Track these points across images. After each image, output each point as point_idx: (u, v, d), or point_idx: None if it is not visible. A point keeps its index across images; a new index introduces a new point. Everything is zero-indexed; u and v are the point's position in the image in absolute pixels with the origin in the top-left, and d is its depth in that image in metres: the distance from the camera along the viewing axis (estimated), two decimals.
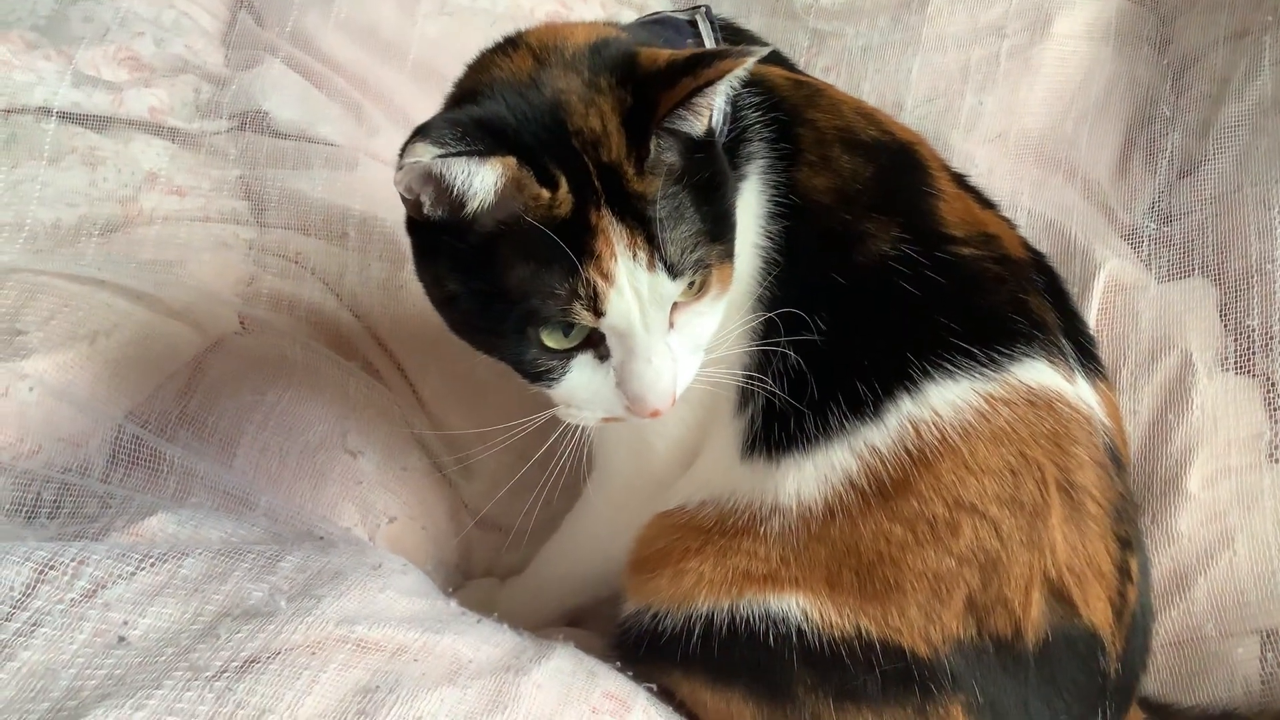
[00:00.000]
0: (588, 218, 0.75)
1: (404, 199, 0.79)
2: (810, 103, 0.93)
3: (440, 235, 0.78)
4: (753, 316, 0.89)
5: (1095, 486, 0.84)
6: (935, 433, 0.82)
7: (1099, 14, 1.46)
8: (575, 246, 0.74)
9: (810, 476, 0.85)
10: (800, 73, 0.99)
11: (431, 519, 1.13)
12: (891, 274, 0.86)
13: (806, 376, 0.86)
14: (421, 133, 0.72)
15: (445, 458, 1.17)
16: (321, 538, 0.98)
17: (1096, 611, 0.84)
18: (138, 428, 1.04)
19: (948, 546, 0.82)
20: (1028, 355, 0.85)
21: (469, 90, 0.82)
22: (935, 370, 0.83)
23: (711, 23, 0.94)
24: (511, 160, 0.73)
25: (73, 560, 0.80)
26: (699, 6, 0.96)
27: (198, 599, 0.80)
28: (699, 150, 0.79)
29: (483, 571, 1.17)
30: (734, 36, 0.99)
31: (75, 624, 0.77)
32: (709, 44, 0.93)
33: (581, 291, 0.75)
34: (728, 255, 0.82)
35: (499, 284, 0.76)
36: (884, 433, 0.83)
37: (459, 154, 0.71)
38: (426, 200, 0.77)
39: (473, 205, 0.75)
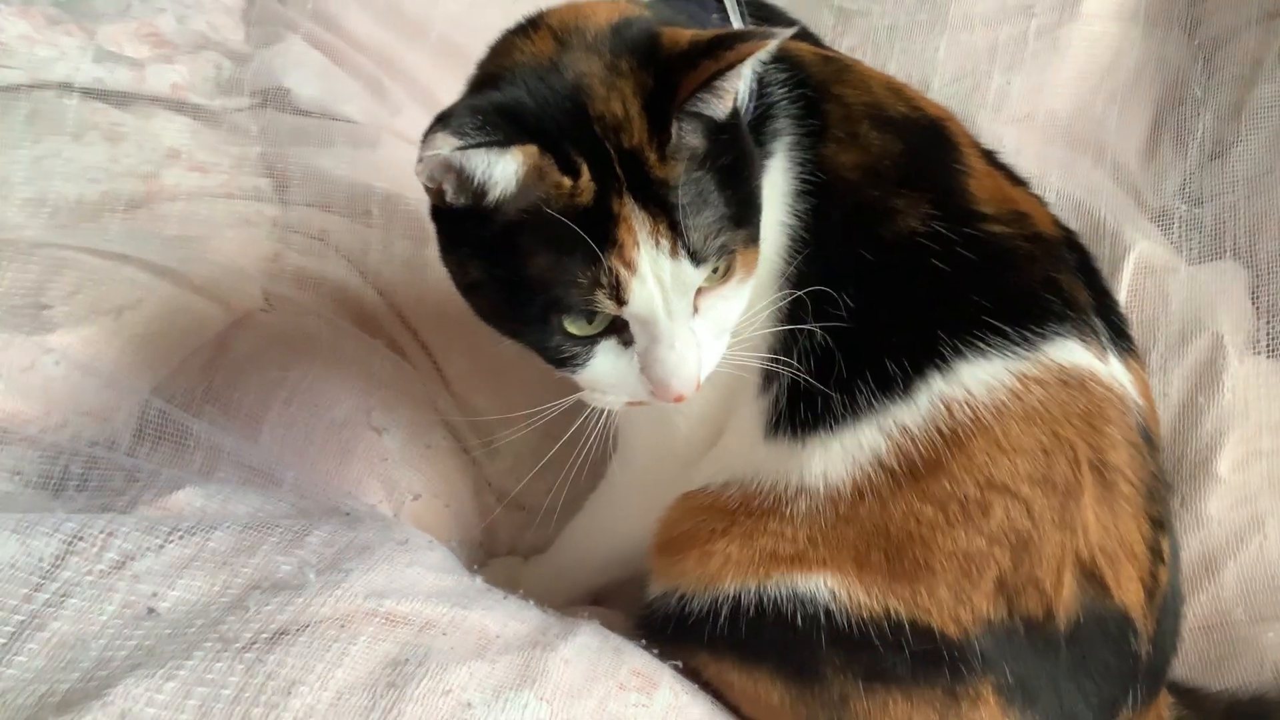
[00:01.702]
0: (610, 205, 0.74)
1: (426, 188, 0.78)
2: (838, 78, 0.92)
3: (463, 223, 0.78)
4: (779, 295, 0.88)
5: (1128, 466, 0.84)
6: (968, 412, 0.81)
7: None
8: (597, 234, 0.73)
9: (838, 456, 0.84)
10: (828, 49, 0.98)
11: (456, 497, 1.13)
12: (921, 251, 0.85)
13: (834, 355, 0.85)
14: (441, 122, 0.71)
15: (470, 437, 1.17)
16: (348, 513, 0.98)
17: (1129, 593, 0.83)
18: (163, 402, 1.04)
19: (978, 526, 0.81)
20: (1060, 334, 0.84)
21: (490, 74, 0.81)
22: (967, 349, 0.82)
23: None
24: (533, 149, 0.72)
25: (101, 532, 0.80)
26: None
27: (226, 571, 0.80)
28: (723, 132, 0.78)
29: (506, 550, 1.17)
30: (761, 13, 0.98)
31: (104, 595, 0.77)
32: (735, 21, 0.92)
33: (604, 280, 0.74)
34: (753, 239, 0.81)
35: (522, 272, 0.76)
36: (915, 412, 0.82)
37: (479, 144, 0.71)
38: (449, 189, 0.76)
39: (494, 194, 0.75)
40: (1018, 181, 0.94)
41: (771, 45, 0.74)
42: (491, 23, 0.88)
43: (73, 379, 1.03)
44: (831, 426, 0.85)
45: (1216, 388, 1.09)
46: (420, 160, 0.73)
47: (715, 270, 0.79)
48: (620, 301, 0.75)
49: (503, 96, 0.76)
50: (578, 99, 0.75)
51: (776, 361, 0.88)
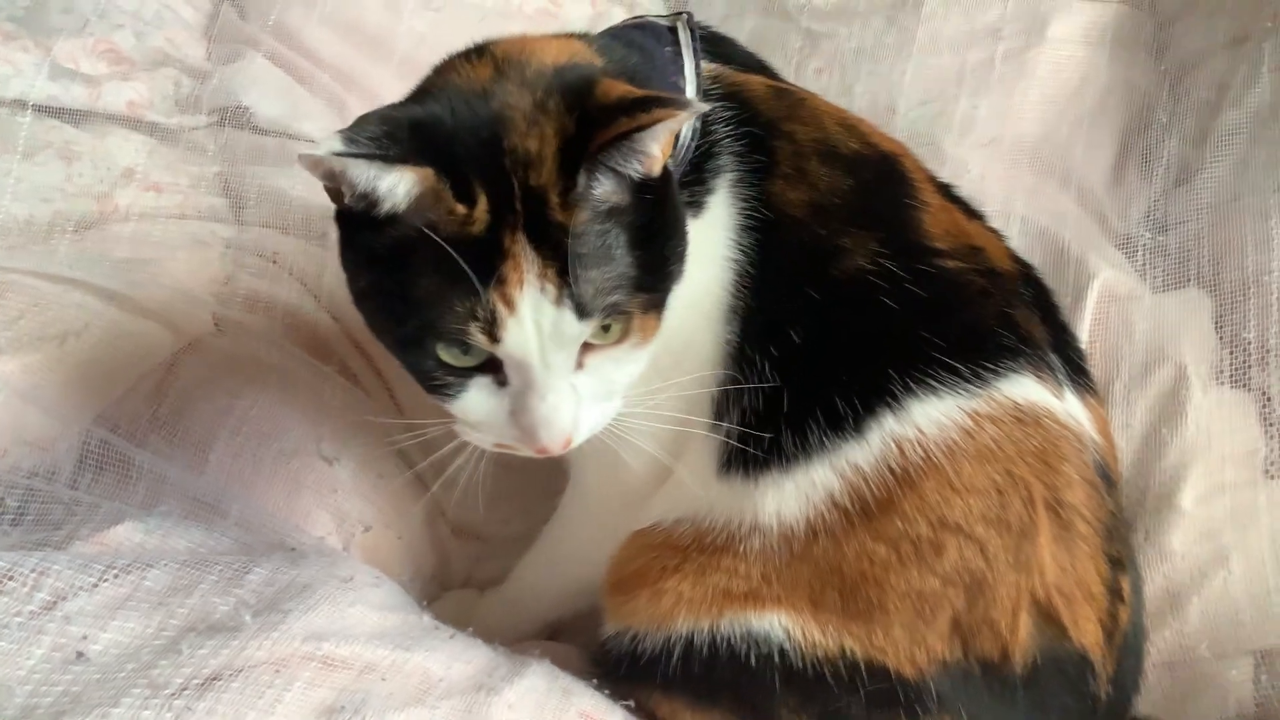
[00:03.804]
0: (502, 239, 0.72)
1: (325, 188, 0.76)
2: (790, 114, 0.90)
3: (360, 229, 0.76)
4: (725, 329, 0.87)
5: (1085, 505, 0.82)
6: (919, 451, 0.80)
7: (1096, 18, 1.44)
8: (484, 267, 0.71)
9: (791, 495, 0.83)
10: (782, 81, 0.96)
11: (408, 528, 1.11)
12: (870, 288, 0.83)
13: (782, 392, 0.84)
14: (350, 125, 0.71)
15: (422, 464, 1.14)
16: (293, 549, 0.96)
17: (1086, 634, 0.82)
18: (107, 432, 1.01)
19: (932, 566, 0.80)
20: (1014, 370, 0.83)
21: (423, 90, 0.80)
22: (919, 386, 0.81)
23: (692, 31, 0.92)
24: (428, 171, 0.70)
25: (33, 571, 0.78)
26: (681, 13, 0.94)
27: (161, 613, 0.78)
28: (645, 192, 0.76)
29: (461, 582, 1.15)
30: (715, 45, 0.96)
31: (33, 638, 0.74)
32: (686, 53, 0.90)
33: (480, 314, 0.72)
34: (655, 305, 0.78)
35: (405, 289, 0.74)
36: (867, 450, 0.81)
37: (363, 155, 0.69)
38: (347, 192, 0.74)
39: (384, 207, 0.73)
40: (974, 215, 0.93)
41: (684, 117, 0.72)
42: (456, 42, 0.87)
43: (13, 407, 1.00)
44: (784, 465, 0.83)
45: (1180, 419, 1.08)
46: (301, 155, 0.71)
47: (606, 329, 0.76)
48: (493, 339, 0.73)
49: (422, 112, 0.75)
50: (495, 129, 0.74)
51: (725, 398, 0.86)
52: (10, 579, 0.77)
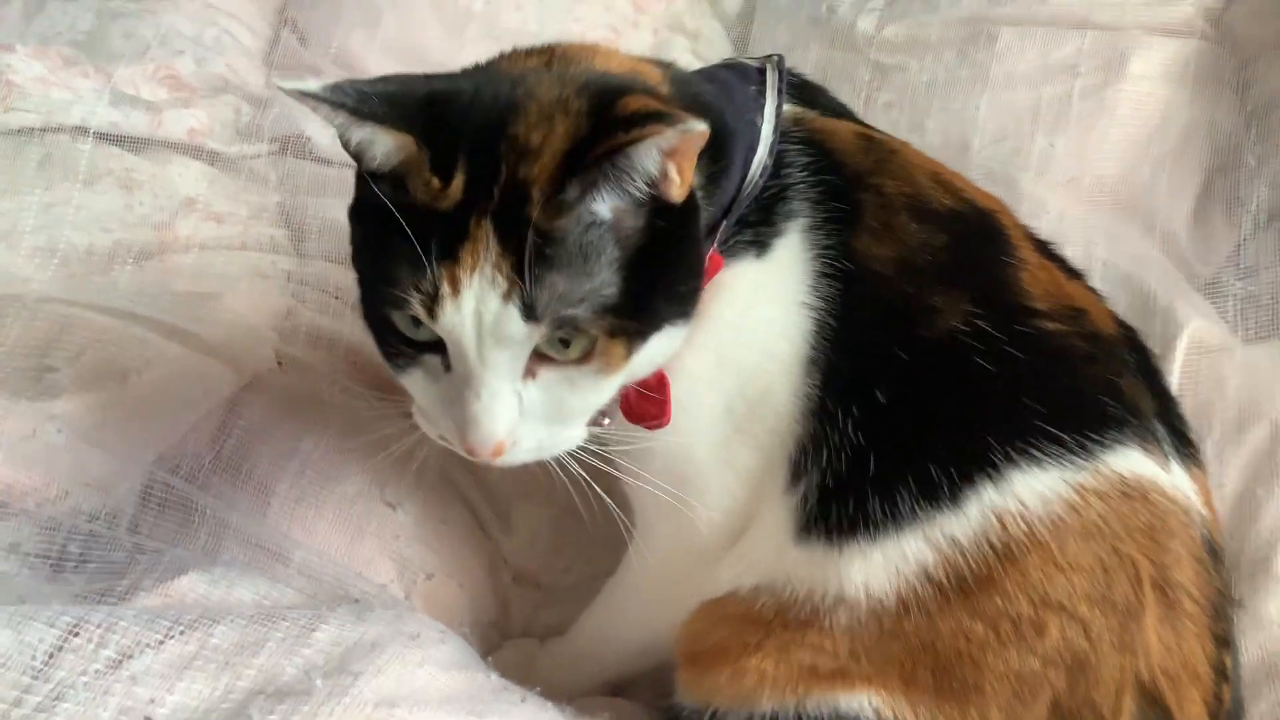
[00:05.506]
0: (468, 220, 0.71)
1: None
2: (878, 167, 0.87)
3: (360, 184, 0.78)
4: (804, 380, 0.83)
5: (1193, 583, 0.79)
6: (1022, 525, 0.76)
7: (1176, 54, 1.39)
8: (442, 243, 0.71)
9: (880, 567, 0.79)
10: (873, 129, 0.93)
11: (469, 575, 1.08)
12: (965, 349, 0.80)
13: (868, 455, 0.80)
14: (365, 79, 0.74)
15: (486, 511, 1.12)
16: (357, 600, 0.94)
17: (1191, 716, 0.78)
18: (169, 475, 1.00)
19: (1032, 647, 0.76)
20: (1121, 442, 0.79)
21: (473, 68, 0.82)
22: (1021, 456, 0.77)
23: (780, 74, 0.89)
24: (408, 138, 0.71)
25: (99, 626, 0.76)
26: (772, 56, 0.91)
27: (229, 674, 0.76)
28: (658, 217, 0.74)
29: (520, 630, 1.12)
30: (804, 91, 0.93)
31: (99, 699, 0.72)
32: (770, 94, 0.88)
33: (424, 286, 0.71)
34: (628, 334, 0.75)
35: (375, 246, 0.75)
36: (964, 523, 0.77)
37: (332, 104, 0.70)
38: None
39: (370, 163, 0.74)
40: (1074, 274, 0.89)
41: (670, 135, 0.69)
42: None
43: (75, 448, 0.99)
44: (871, 533, 0.79)
45: (1276, 479, 1.03)
46: (282, 88, 0.72)
47: (566, 344, 0.74)
48: (431, 314, 0.72)
49: (446, 84, 0.76)
50: (506, 113, 0.73)
51: (804, 456, 0.83)
52: (76, 634, 0.75)
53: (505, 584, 1.12)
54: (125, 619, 0.77)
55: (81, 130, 1.31)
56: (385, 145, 0.72)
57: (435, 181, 0.72)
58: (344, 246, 1.29)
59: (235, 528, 0.98)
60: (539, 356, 0.74)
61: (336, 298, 1.24)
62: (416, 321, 0.74)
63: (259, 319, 1.19)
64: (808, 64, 1.51)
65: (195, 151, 1.35)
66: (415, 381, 0.79)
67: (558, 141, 0.72)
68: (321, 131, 1.38)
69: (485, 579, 1.10)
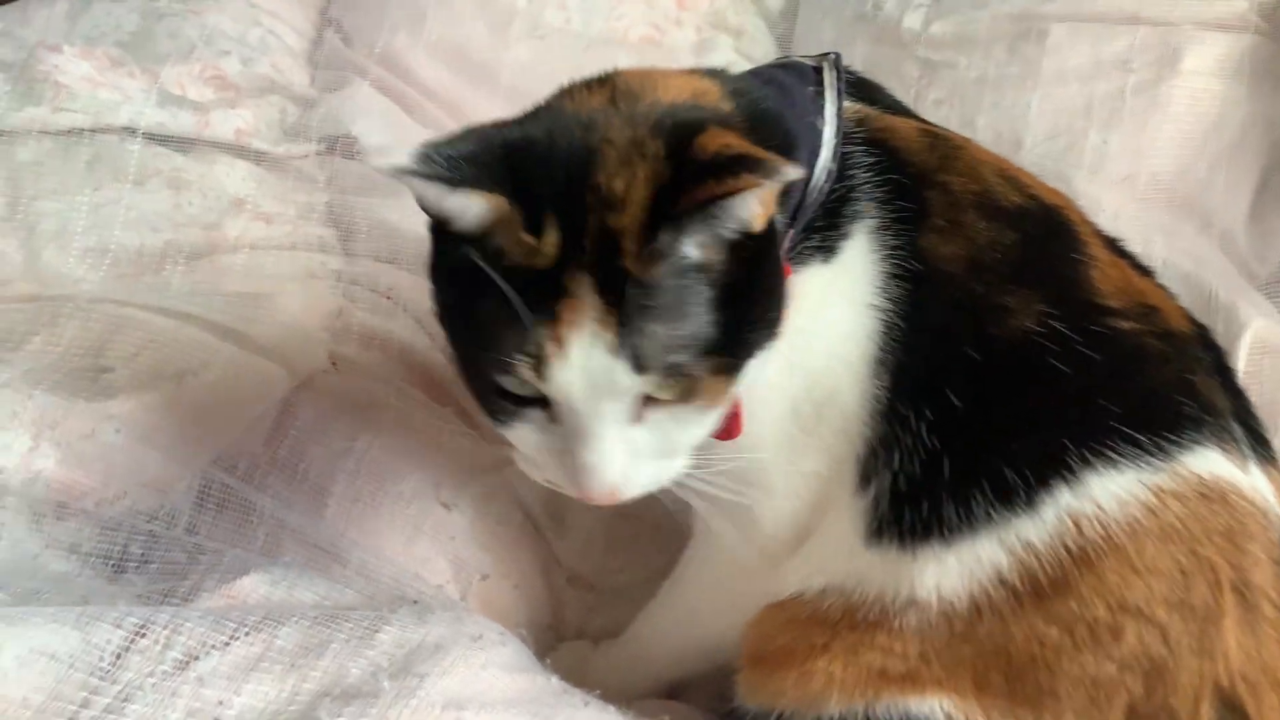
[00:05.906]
0: (565, 276, 0.69)
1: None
2: (944, 165, 0.86)
3: (443, 243, 0.75)
4: (873, 382, 0.82)
5: (1273, 587, 0.77)
6: (1098, 529, 0.75)
7: (1230, 49, 1.37)
8: (541, 301, 0.69)
9: (953, 570, 0.78)
10: (934, 125, 0.92)
11: (524, 576, 1.08)
12: (1038, 350, 0.78)
13: (941, 458, 0.79)
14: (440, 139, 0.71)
15: (539, 512, 1.12)
16: (415, 601, 0.93)
17: None
18: (226, 474, 1.00)
19: (1108, 651, 0.74)
20: (1198, 442, 0.77)
21: (536, 111, 0.79)
22: (1097, 458, 0.76)
23: (838, 72, 0.88)
24: (501, 199, 0.68)
25: (165, 627, 0.76)
26: (828, 54, 0.90)
27: (295, 675, 0.75)
28: (741, 250, 0.72)
29: (574, 632, 1.12)
30: (862, 89, 0.92)
31: (167, 700, 0.72)
32: (830, 94, 0.86)
33: (528, 348, 0.69)
34: (728, 370, 0.74)
35: (470, 308, 0.73)
36: (1040, 526, 0.76)
37: (427, 176, 0.67)
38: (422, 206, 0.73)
39: (457, 225, 0.71)
40: (1145, 272, 0.88)
41: (769, 186, 0.68)
42: (560, 70, 0.85)
43: (133, 448, 0.99)
44: (945, 536, 0.78)
45: None
46: (373, 165, 0.71)
47: (670, 387, 0.72)
48: (540, 376, 0.70)
49: (520, 133, 0.73)
50: (586, 162, 0.71)
51: (874, 459, 0.82)
52: (142, 635, 0.75)
53: (559, 585, 1.12)
54: (191, 620, 0.77)
55: (130, 130, 1.31)
56: (479, 209, 0.69)
57: (530, 240, 0.69)
58: (393, 246, 1.31)
59: (293, 528, 0.98)
60: (645, 399, 0.73)
61: (387, 298, 1.24)
62: (518, 379, 0.72)
63: (311, 319, 1.19)
64: (854, 61, 1.48)
65: (242, 152, 1.36)
66: (520, 435, 0.76)
67: (641, 188, 0.70)
68: (369, 131, 1.38)
69: (539, 580, 1.10)
